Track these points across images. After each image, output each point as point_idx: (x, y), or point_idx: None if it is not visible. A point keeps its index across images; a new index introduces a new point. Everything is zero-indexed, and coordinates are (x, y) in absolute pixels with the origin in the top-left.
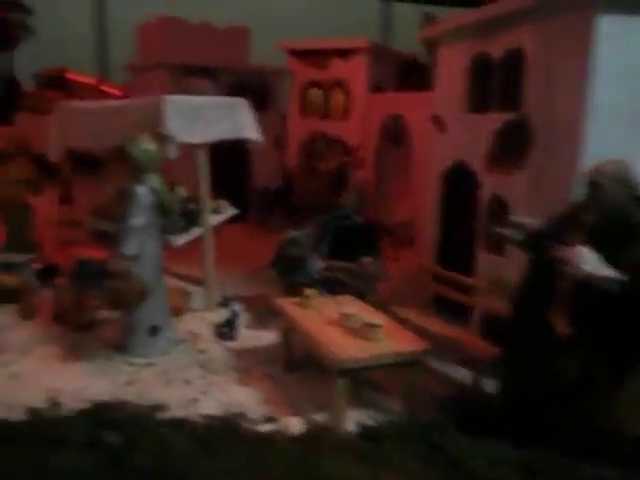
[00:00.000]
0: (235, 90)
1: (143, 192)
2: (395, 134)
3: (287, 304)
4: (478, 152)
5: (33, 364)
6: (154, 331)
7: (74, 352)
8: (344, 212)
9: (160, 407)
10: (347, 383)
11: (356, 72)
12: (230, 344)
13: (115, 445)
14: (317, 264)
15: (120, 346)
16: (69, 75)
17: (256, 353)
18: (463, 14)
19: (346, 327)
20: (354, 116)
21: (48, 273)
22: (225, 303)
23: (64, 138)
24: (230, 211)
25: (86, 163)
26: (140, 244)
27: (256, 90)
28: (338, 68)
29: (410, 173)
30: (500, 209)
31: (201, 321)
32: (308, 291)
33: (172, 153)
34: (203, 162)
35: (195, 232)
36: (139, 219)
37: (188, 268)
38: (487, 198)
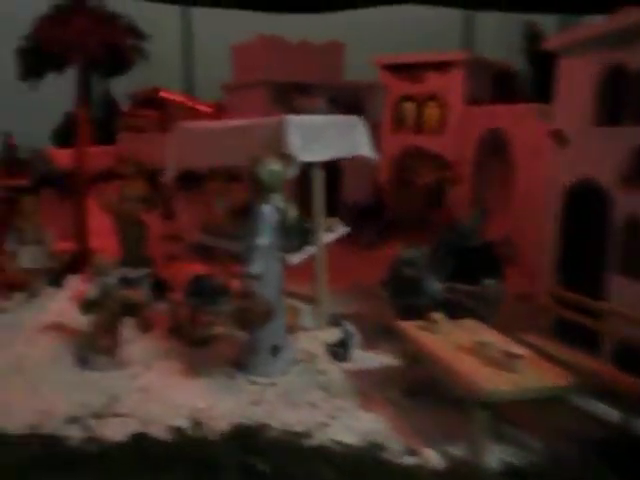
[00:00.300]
0: (329, 106)
1: (269, 211)
2: (495, 148)
3: (411, 328)
4: (610, 168)
5: (157, 378)
6: (275, 351)
7: (194, 368)
8: (463, 231)
9: (302, 434)
10: (488, 416)
11: (452, 85)
12: (345, 365)
13: (264, 472)
14: (436, 285)
15: (239, 364)
16: (163, 94)
17: (372, 375)
18: (590, 24)
19: (483, 356)
20: (449, 130)
21: (158, 287)
22: (335, 321)
23: (180, 158)
24: (342, 229)
25: (187, 180)
26: (265, 264)
27: (349, 105)
28: (433, 81)
29: (511, 188)
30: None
31: (314, 340)
32: (436, 315)
33: (292, 173)
34: (319, 180)
35: (309, 250)
36: (265, 239)
37: (293, 285)
38: (622, 217)
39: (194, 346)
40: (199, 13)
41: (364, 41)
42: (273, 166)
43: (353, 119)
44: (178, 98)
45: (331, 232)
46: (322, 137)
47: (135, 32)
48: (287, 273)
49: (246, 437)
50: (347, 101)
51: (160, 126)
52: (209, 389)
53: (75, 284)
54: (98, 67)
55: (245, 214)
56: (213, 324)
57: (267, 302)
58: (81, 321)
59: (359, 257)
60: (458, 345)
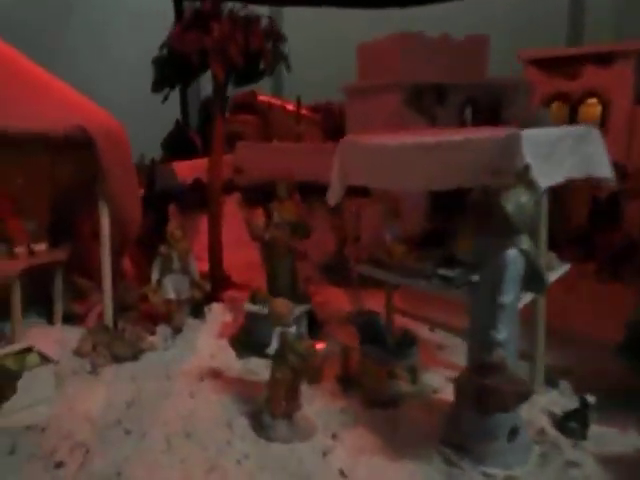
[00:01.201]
0: (466, 108)
1: (516, 259)
2: None
3: None
4: None
5: (351, 456)
6: (514, 434)
7: (392, 442)
8: None
9: None
10: None
11: (618, 80)
12: (587, 446)
13: None
14: None
15: (458, 446)
16: (260, 98)
17: (636, 466)
18: None
19: None
20: (613, 132)
21: (311, 324)
22: (552, 381)
23: (348, 177)
24: (563, 266)
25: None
26: (510, 325)
27: (488, 106)
28: (592, 76)
29: None
30: None
31: (533, 407)
32: None
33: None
34: (544, 209)
35: (527, 297)
36: (512, 295)
37: None
38: None
39: (376, 407)
40: (287, 12)
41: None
42: (522, 198)
43: (586, 129)
44: (277, 102)
45: (552, 271)
46: (554, 155)
47: (275, 35)
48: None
49: None
50: (486, 101)
51: (262, 133)
52: None
53: (217, 315)
54: (237, 74)
55: (425, 245)
56: (398, 379)
57: (523, 381)
58: (236, 365)
59: None
60: None
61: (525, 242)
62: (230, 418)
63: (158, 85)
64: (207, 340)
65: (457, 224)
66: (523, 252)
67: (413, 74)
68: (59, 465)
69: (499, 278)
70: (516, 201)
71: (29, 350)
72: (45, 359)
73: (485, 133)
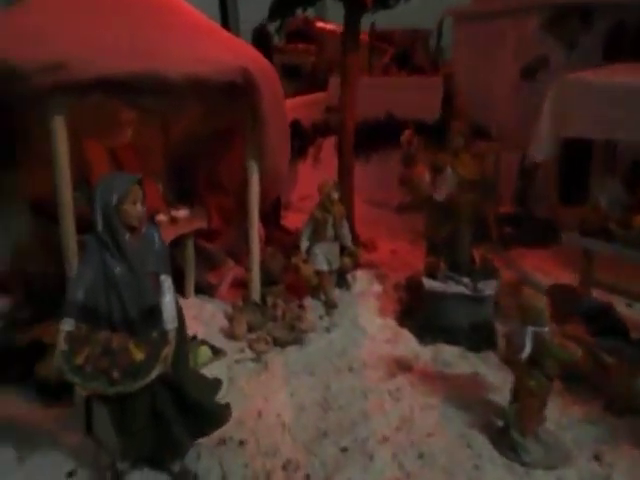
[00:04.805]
0: (610, 36)
1: None
2: None
3: None
4: None
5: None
6: None
7: None
8: None
9: None
10: None
11: None
12: None
13: None
14: None
15: None
16: (319, 25)
17: None
18: None
19: None
20: None
21: None
22: None
23: (566, 126)
24: None
25: None
26: None
27: (637, 32)
28: None
29: None
30: None
31: None
32: None
33: None
34: None
35: None
36: None
37: None
38: None
39: (628, 414)
40: None
41: None
42: None
43: None
44: (334, 28)
45: None
46: None
47: None
48: None
49: None
50: (636, 27)
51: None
52: None
53: (364, 285)
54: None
55: None
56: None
57: None
58: (423, 355)
59: None
60: None
61: None
62: (461, 432)
63: (276, 12)
64: (370, 319)
65: None
66: None
67: None
68: None
69: None
70: None
71: (193, 339)
72: (216, 351)
73: None
